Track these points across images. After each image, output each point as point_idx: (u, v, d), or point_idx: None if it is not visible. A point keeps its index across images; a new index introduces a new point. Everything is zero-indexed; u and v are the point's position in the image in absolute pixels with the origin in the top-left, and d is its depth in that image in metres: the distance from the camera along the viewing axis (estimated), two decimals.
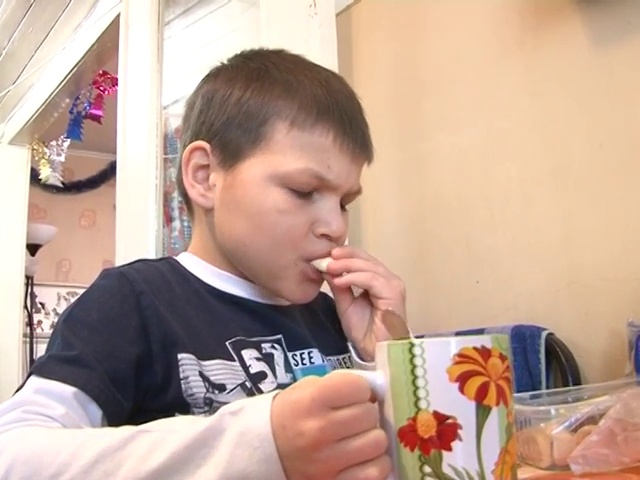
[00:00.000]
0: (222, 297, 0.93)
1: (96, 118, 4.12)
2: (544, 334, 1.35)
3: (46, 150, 4.49)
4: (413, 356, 0.55)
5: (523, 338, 1.36)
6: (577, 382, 1.30)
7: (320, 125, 0.87)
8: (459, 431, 0.53)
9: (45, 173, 4.55)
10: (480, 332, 1.46)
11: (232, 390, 0.82)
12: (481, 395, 0.53)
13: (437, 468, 0.53)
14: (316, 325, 1.03)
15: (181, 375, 0.80)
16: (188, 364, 0.81)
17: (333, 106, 0.89)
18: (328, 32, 1.76)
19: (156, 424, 0.61)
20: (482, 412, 0.53)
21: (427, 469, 0.53)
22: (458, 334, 1.49)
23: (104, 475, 0.57)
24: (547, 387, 1.32)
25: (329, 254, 0.90)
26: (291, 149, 0.87)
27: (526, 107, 1.52)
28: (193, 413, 0.79)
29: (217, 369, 0.83)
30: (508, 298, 1.50)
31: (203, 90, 0.96)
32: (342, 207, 0.95)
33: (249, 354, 0.87)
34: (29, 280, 5.03)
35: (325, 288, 0.98)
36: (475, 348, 0.54)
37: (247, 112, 0.89)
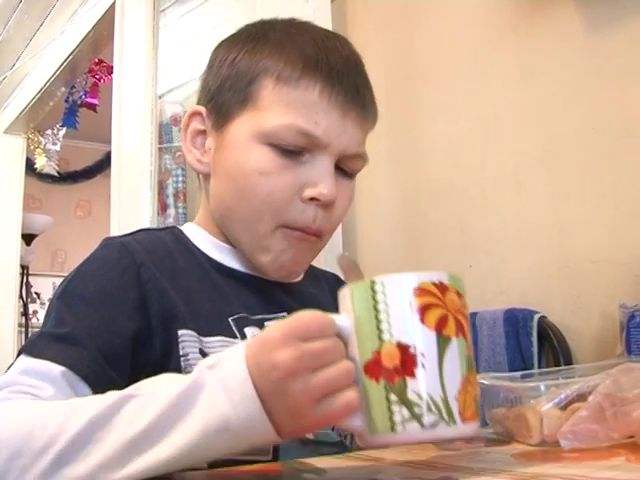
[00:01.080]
0: (225, 272, 0.91)
1: (92, 107, 4.11)
2: (536, 317, 1.36)
3: (42, 139, 4.47)
4: (375, 292, 0.56)
5: (515, 321, 1.37)
6: (569, 364, 1.30)
7: (306, 79, 0.83)
8: (422, 359, 0.54)
9: (41, 162, 4.53)
10: (472, 316, 1.46)
11: None
12: (441, 325, 0.55)
13: (402, 395, 0.54)
14: (322, 304, 1.00)
15: (181, 352, 0.79)
16: (188, 340, 0.80)
17: (322, 61, 0.84)
18: (323, 17, 1.77)
19: (141, 386, 0.61)
20: (442, 341, 0.55)
21: (393, 397, 0.54)
22: None
23: (94, 442, 0.57)
24: (539, 369, 1.33)
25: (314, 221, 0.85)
26: (277, 105, 0.83)
27: (520, 92, 1.53)
28: None
29: (218, 346, 0.81)
30: (501, 282, 1.51)
31: (209, 60, 0.95)
32: (347, 175, 0.90)
33: (252, 332, 0.85)
34: (24, 270, 5.03)
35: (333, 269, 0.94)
36: (433, 283, 0.56)
37: (238, 72, 0.87)
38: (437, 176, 1.70)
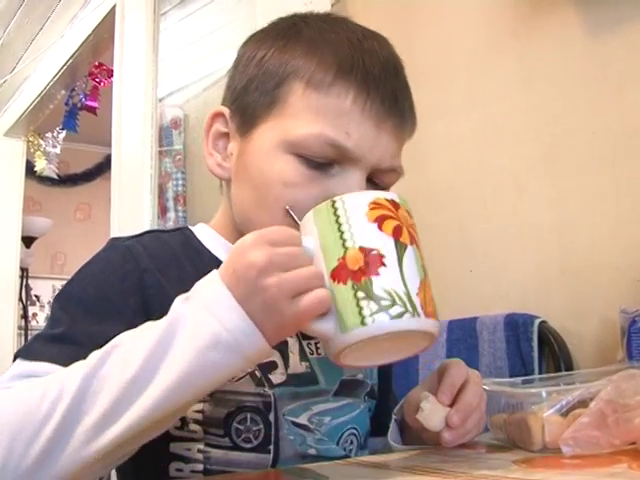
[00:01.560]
0: None
1: (92, 110, 4.10)
2: (537, 322, 1.36)
3: (42, 142, 4.47)
4: (336, 209, 0.62)
5: (516, 326, 1.37)
6: (569, 369, 1.30)
7: (339, 84, 0.76)
8: (383, 259, 0.60)
9: (40, 165, 4.53)
10: (473, 321, 1.46)
11: (240, 379, 0.78)
12: (397, 234, 0.61)
13: (369, 291, 0.59)
14: None
15: None
16: None
17: (358, 65, 0.77)
18: None
19: (121, 337, 0.63)
20: (400, 247, 0.61)
21: (361, 294, 0.59)
22: (451, 323, 1.50)
23: (93, 395, 0.58)
24: (540, 375, 1.33)
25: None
26: (305, 112, 0.77)
27: (519, 96, 1.53)
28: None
29: None
30: (501, 286, 1.51)
31: (236, 56, 0.89)
32: (380, 188, 0.82)
33: None
34: (24, 272, 5.02)
35: None
36: (386, 199, 0.63)
37: (266, 72, 0.81)
38: (436, 179, 1.70)
